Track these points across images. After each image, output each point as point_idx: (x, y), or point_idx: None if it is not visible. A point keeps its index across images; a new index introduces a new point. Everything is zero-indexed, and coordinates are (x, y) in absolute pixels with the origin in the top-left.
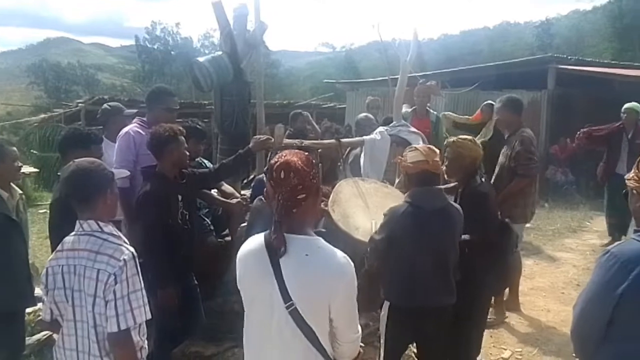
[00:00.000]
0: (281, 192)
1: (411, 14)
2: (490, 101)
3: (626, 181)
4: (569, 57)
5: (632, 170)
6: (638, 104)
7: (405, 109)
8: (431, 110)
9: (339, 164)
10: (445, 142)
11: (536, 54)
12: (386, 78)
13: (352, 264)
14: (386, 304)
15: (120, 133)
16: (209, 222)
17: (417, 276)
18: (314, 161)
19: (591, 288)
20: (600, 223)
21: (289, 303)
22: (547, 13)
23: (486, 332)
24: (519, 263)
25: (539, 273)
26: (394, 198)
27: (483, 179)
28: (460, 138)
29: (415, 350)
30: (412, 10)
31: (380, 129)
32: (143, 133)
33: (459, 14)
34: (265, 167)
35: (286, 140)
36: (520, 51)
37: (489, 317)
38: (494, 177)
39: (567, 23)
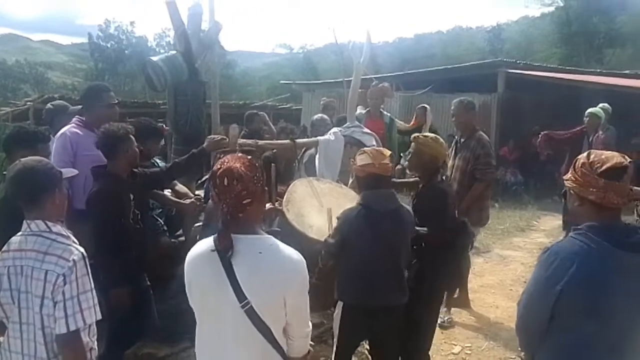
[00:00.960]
0: (226, 199)
1: (365, 17)
2: (424, 105)
3: (564, 182)
4: (518, 62)
5: (570, 171)
6: (600, 110)
7: (359, 110)
8: (385, 112)
9: (294, 164)
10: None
11: (487, 58)
12: (342, 80)
13: (304, 260)
14: (340, 303)
15: (57, 134)
16: (162, 223)
17: (371, 276)
18: (257, 164)
19: (533, 284)
20: (547, 222)
21: (245, 302)
22: (498, 19)
23: (437, 329)
24: (468, 261)
25: (488, 271)
26: (348, 198)
27: (444, 177)
28: (423, 135)
29: (368, 347)
30: (367, 13)
31: (334, 129)
32: (81, 133)
33: (413, 18)
34: (208, 174)
35: (241, 140)
36: (472, 55)
37: (440, 315)
38: (454, 183)
39: (517, 28)
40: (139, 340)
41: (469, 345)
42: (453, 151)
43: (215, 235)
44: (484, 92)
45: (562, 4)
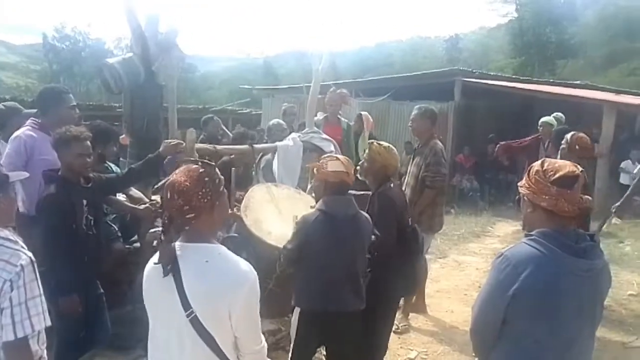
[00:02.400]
0: (169, 213)
1: (326, 25)
2: (364, 112)
3: (519, 188)
4: (474, 71)
5: (524, 179)
6: (552, 118)
7: (320, 116)
8: (342, 118)
9: (251, 169)
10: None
11: (445, 67)
12: (302, 85)
13: (255, 272)
14: (297, 309)
15: (12, 137)
16: (116, 228)
17: (328, 282)
18: (207, 179)
19: (486, 289)
20: (501, 228)
21: (189, 311)
22: (456, 29)
23: (393, 334)
24: (425, 267)
25: (444, 276)
26: (305, 204)
27: (392, 185)
28: (377, 143)
29: (325, 353)
30: (327, 21)
31: (293, 135)
32: (36, 136)
33: (374, 26)
34: (164, 179)
35: (198, 145)
36: (430, 64)
37: (397, 320)
38: (407, 187)
39: (474, 38)
40: (91, 348)
41: (425, 350)
42: (411, 158)
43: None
44: (441, 100)
45: (516, 15)
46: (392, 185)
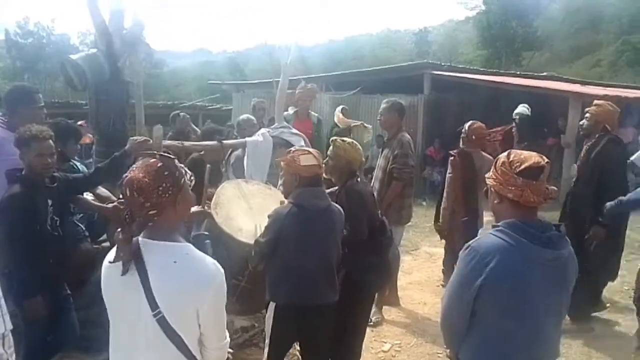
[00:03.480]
0: (129, 209)
1: (294, 19)
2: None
3: (486, 180)
4: (443, 64)
5: (491, 170)
6: (526, 109)
7: (291, 111)
8: (313, 113)
9: (220, 165)
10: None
11: (415, 60)
12: (272, 80)
13: (222, 270)
14: (271, 305)
15: None
16: (83, 228)
17: (303, 275)
18: (166, 173)
19: (455, 281)
20: None
21: (157, 311)
22: (425, 22)
23: (367, 327)
24: (397, 259)
25: (416, 268)
26: (276, 199)
27: (358, 180)
28: (340, 140)
29: (299, 349)
30: (296, 15)
31: (263, 130)
32: (3, 135)
33: (343, 20)
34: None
35: (166, 142)
36: (400, 57)
37: (371, 314)
38: (375, 181)
39: (443, 32)
40: (59, 351)
41: (398, 342)
42: (380, 150)
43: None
44: (411, 93)
45: (484, 8)
46: (358, 180)
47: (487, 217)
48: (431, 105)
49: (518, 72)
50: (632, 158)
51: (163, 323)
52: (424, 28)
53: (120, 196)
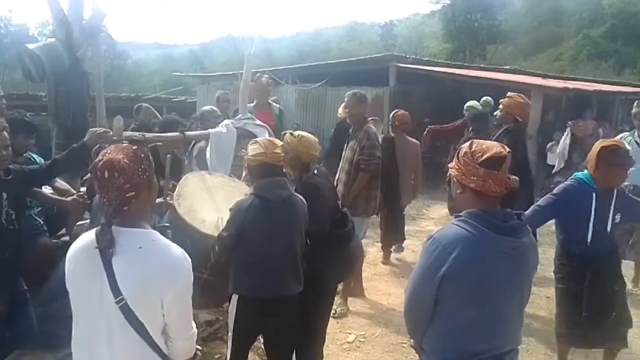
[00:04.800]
0: (108, 192)
1: (258, 10)
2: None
3: (449, 170)
4: (408, 57)
5: (454, 160)
6: (476, 102)
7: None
8: (274, 104)
9: (183, 157)
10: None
11: (381, 53)
12: (237, 72)
13: (189, 258)
14: (234, 297)
15: None
16: (41, 222)
17: (266, 266)
18: (142, 155)
19: (418, 272)
20: (436, 210)
21: (119, 298)
22: (391, 15)
23: (332, 319)
24: (361, 251)
25: (381, 259)
26: (240, 192)
27: (315, 172)
28: (289, 133)
29: (263, 341)
30: (259, 6)
31: (226, 122)
32: None
33: (310, 12)
34: (90, 166)
35: (127, 133)
36: (366, 50)
37: (336, 306)
38: (342, 172)
39: (409, 25)
40: (16, 348)
41: (363, 333)
42: (346, 142)
43: (97, 229)
44: (377, 86)
45: (448, 2)
46: (315, 172)
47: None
48: (396, 97)
49: (482, 65)
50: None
51: (126, 311)
52: (390, 21)
53: (95, 182)
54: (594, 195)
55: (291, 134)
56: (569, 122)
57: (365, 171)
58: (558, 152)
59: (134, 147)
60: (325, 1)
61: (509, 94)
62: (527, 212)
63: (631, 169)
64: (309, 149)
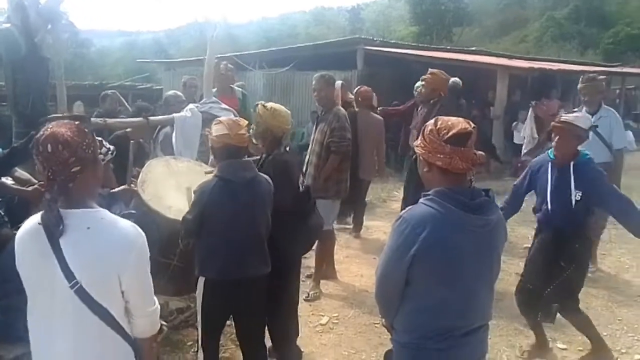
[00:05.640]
0: (51, 168)
1: None
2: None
3: (415, 148)
4: (375, 39)
5: (419, 138)
6: (458, 79)
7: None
8: (236, 89)
9: (148, 143)
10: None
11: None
12: (203, 57)
13: (142, 233)
14: (201, 280)
15: None
16: (2, 213)
17: (232, 248)
18: (86, 130)
19: (388, 252)
20: None
21: (74, 282)
22: None
23: (305, 302)
24: (332, 234)
25: (353, 241)
26: (207, 176)
27: (286, 149)
28: (262, 105)
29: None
30: None
31: (191, 106)
32: None
33: None
34: (31, 143)
35: None
36: (334, 34)
37: (308, 289)
38: (312, 154)
39: (376, 9)
40: None
41: (336, 314)
42: (314, 126)
43: (44, 210)
44: (344, 69)
45: None
46: (286, 149)
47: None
48: (365, 80)
49: (448, 47)
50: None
51: (82, 294)
52: (357, 5)
53: (37, 157)
54: (549, 165)
55: (264, 105)
56: (531, 103)
57: (336, 153)
58: (523, 133)
59: (77, 122)
60: None
61: (430, 70)
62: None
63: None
64: (282, 123)
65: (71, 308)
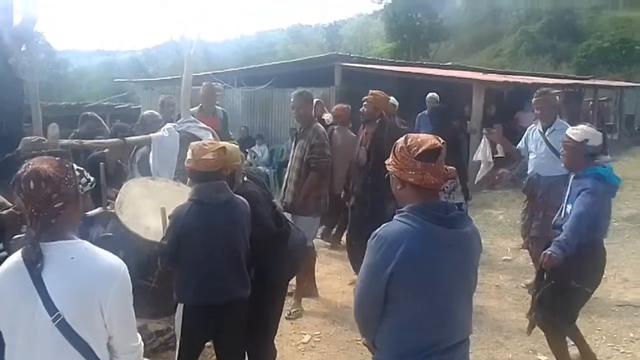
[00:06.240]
0: (35, 205)
1: (198, 13)
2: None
3: (387, 166)
4: (352, 56)
5: (391, 156)
6: (395, 99)
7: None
8: (219, 108)
9: (126, 164)
10: None
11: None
12: (180, 76)
13: (124, 264)
14: (180, 305)
15: None
16: None
17: (210, 272)
18: (67, 165)
19: (366, 271)
20: None
21: (56, 314)
22: (335, 16)
23: (286, 320)
24: (313, 250)
25: (334, 258)
26: (185, 196)
27: (244, 180)
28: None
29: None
30: (200, 9)
31: (168, 125)
32: None
33: (253, 15)
34: (12, 179)
35: (63, 141)
36: (313, 51)
37: (289, 307)
38: (292, 171)
39: (353, 26)
40: None
41: (318, 332)
42: (293, 142)
43: (25, 247)
44: (323, 86)
45: (389, 1)
46: (245, 179)
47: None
48: (343, 96)
49: (425, 62)
50: None
51: (64, 328)
52: (335, 22)
53: (19, 195)
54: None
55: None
56: (484, 130)
57: (316, 170)
58: (477, 157)
59: (57, 158)
60: (269, 3)
61: (371, 91)
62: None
63: (532, 157)
64: (229, 161)
65: (52, 343)
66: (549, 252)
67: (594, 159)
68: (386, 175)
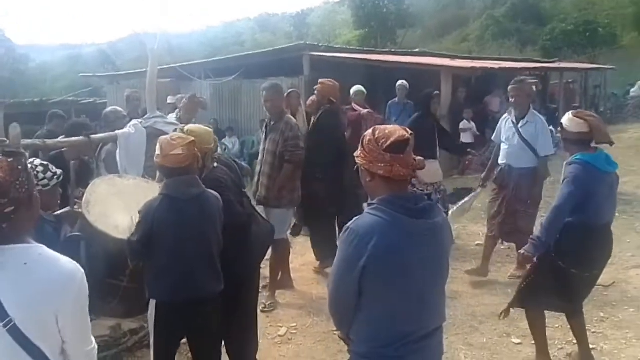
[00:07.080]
0: None
1: (161, 4)
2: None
3: (356, 159)
4: (320, 45)
5: (359, 149)
6: (363, 87)
7: (170, 100)
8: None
9: (91, 162)
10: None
11: (294, 43)
12: (146, 70)
13: (82, 270)
14: (152, 302)
15: None
16: None
17: (182, 268)
18: (19, 167)
19: (338, 264)
20: None
21: (7, 320)
22: (302, 4)
23: (261, 313)
24: (287, 242)
25: (309, 249)
26: (154, 192)
27: (214, 165)
28: (184, 129)
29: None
30: (160, 1)
31: (134, 121)
32: None
33: (219, 5)
34: None
35: (25, 141)
36: (281, 41)
37: (264, 300)
38: (265, 165)
39: (321, 14)
40: None
41: (294, 324)
42: (264, 135)
43: None
44: (291, 76)
45: None
46: (215, 165)
47: None
48: (312, 86)
49: (392, 50)
50: None
51: (15, 333)
52: (302, 11)
53: None
54: None
55: (181, 130)
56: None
57: (290, 162)
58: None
59: (9, 160)
60: None
61: (320, 80)
62: None
63: (504, 147)
64: (200, 143)
65: (3, 348)
66: (523, 252)
67: (584, 145)
68: (355, 167)
